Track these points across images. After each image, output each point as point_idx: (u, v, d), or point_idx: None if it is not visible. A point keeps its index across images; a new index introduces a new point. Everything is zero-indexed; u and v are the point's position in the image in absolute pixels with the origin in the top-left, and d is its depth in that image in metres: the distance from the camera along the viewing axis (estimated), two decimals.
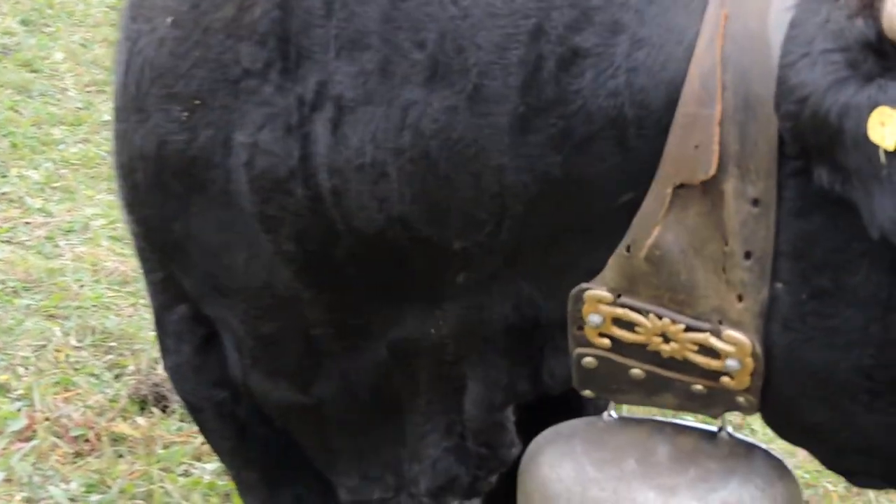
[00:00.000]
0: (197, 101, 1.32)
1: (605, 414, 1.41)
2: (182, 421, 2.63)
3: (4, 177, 3.95)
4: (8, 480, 2.35)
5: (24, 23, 5.30)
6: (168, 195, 1.38)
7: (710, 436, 1.36)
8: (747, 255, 1.15)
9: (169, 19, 1.32)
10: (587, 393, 1.37)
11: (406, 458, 1.55)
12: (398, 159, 1.23)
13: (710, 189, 1.14)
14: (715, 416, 1.35)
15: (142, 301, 3.10)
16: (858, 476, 1.36)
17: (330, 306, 1.41)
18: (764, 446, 1.41)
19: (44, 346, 2.88)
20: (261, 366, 1.50)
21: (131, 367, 2.83)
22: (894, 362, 1.15)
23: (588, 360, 1.29)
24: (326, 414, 1.53)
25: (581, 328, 1.25)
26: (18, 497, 2.31)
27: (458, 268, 1.31)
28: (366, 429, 1.53)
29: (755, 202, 1.13)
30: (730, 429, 1.36)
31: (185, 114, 1.33)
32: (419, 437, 1.50)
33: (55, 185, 3.93)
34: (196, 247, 1.42)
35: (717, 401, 1.27)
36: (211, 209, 1.38)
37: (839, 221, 1.12)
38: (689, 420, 1.46)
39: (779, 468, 1.34)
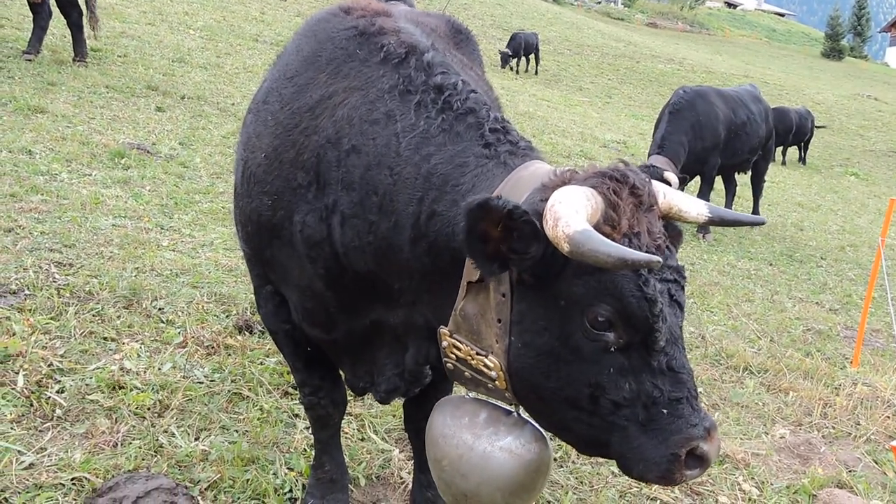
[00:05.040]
0: (275, 197, 1.72)
1: (464, 394, 1.79)
2: (261, 337, 3.73)
3: (170, 217, 4.96)
4: (173, 367, 3.23)
5: (181, 144, 6.41)
6: (262, 237, 1.82)
7: (508, 412, 1.72)
8: (499, 321, 1.51)
9: (262, 155, 1.77)
10: (453, 380, 1.70)
11: (375, 373, 1.95)
12: (369, 246, 1.62)
13: (484, 287, 1.52)
14: (508, 403, 1.68)
15: (243, 280, 4.10)
16: (565, 441, 1.60)
17: (339, 300, 1.80)
18: (533, 422, 1.71)
19: (190, 301, 3.94)
20: (306, 321, 1.92)
21: (235, 312, 3.95)
22: (561, 379, 1.50)
23: (448, 365, 1.67)
24: (338, 344, 1.94)
25: (444, 348, 1.63)
26: (178, 376, 3.14)
27: (399, 293, 1.70)
28: (355, 354, 1.95)
29: (503, 295, 1.49)
30: (520, 410, 1.69)
31: (270, 202, 1.73)
32: (382, 366, 1.92)
33: (197, 223, 5.03)
34: (276, 262, 1.83)
35: (498, 394, 1.62)
36: (283, 247, 1.75)
37: (533, 309, 1.49)
38: (502, 403, 1.74)
39: (539, 434, 1.68)
